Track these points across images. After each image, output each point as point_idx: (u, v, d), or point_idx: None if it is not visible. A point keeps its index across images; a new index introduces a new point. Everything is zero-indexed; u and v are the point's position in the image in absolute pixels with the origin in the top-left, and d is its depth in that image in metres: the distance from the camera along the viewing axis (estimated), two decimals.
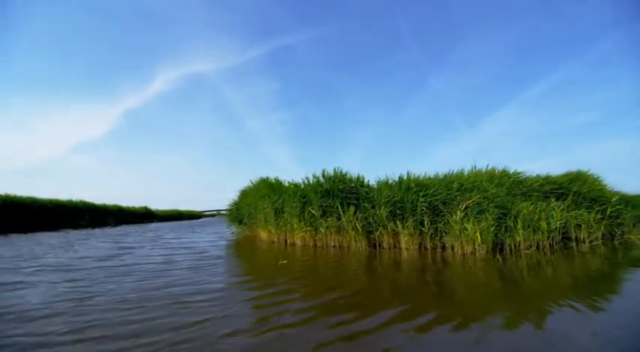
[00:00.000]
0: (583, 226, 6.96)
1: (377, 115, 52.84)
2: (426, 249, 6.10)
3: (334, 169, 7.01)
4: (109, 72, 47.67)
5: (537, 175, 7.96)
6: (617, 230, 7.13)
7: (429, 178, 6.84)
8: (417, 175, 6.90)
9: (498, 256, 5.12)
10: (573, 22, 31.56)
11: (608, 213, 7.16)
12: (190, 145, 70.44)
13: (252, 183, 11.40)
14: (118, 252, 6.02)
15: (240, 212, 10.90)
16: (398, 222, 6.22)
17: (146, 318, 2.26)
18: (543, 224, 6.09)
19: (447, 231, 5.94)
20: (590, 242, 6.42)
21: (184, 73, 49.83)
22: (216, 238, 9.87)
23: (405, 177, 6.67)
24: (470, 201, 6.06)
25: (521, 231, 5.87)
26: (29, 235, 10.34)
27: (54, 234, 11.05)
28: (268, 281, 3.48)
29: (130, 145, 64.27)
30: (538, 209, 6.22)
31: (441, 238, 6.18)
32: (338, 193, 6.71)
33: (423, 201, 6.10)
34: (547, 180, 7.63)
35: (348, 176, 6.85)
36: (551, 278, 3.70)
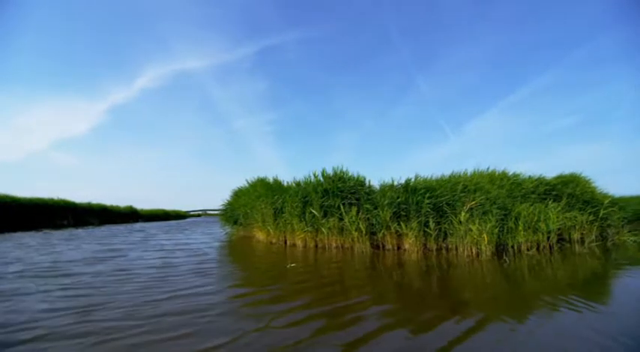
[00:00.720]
0: (577, 227, 7.16)
1: (365, 116, 53.32)
2: (430, 250, 6.08)
3: (334, 168, 6.88)
4: (93, 67, 45.86)
5: (530, 177, 8.15)
6: (608, 231, 7.38)
7: (435, 180, 6.83)
8: (423, 177, 6.90)
9: (505, 258, 5.14)
10: (556, 29, 32.96)
11: (600, 215, 7.40)
12: (176, 144, 68.76)
13: (248, 182, 11.15)
14: (109, 254, 5.66)
15: (236, 212, 10.60)
16: (402, 224, 6.17)
17: (167, 338, 1.99)
18: (543, 225, 6.20)
19: (451, 232, 5.94)
20: (590, 242, 6.55)
21: (172, 70, 48.59)
22: (209, 239, 9.55)
23: (411, 180, 6.64)
24: (473, 203, 6.09)
25: (522, 233, 5.95)
26: (7, 235, 9.66)
27: (34, 234, 10.38)
28: (288, 289, 3.24)
29: (114, 143, 62.05)
30: (537, 210, 6.33)
31: (444, 239, 6.19)
32: (338, 193, 6.60)
33: (428, 203, 6.08)
34: (541, 181, 7.81)
35: (348, 175, 6.73)
36: (573, 278, 3.71)
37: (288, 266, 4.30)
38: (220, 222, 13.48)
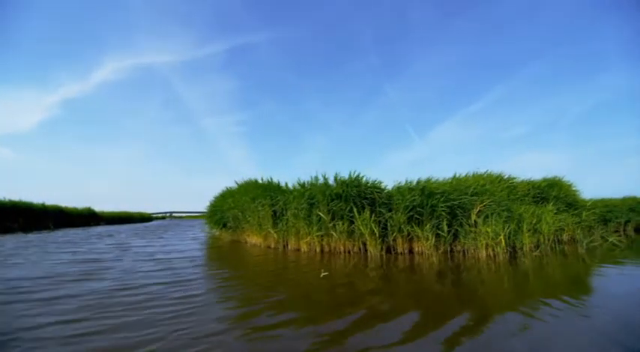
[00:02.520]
0: (565, 229, 7.62)
1: (335, 119, 54.00)
2: (445, 252, 6.03)
3: (350, 173, 6.61)
4: (43, 56, 40.62)
5: (522, 180, 8.56)
6: (594, 232, 7.94)
7: (446, 182, 6.83)
8: (434, 180, 6.88)
9: (522, 258, 5.23)
10: (512, 44, 36.24)
11: (583, 217, 7.96)
12: (137, 142, 63.69)
13: (237, 183, 10.45)
14: (89, 267, 4.78)
15: (225, 214, 9.83)
16: (415, 227, 6.06)
17: None
18: (544, 227, 6.47)
19: (464, 234, 5.94)
20: (589, 243, 6.93)
21: (134, 64, 44.95)
22: (197, 244, 8.71)
23: (423, 183, 6.56)
24: (482, 205, 6.18)
25: (527, 234, 6.15)
26: None
27: None
28: (374, 312, 2.57)
29: (67, 139, 55.76)
30: (536, 212, 6.60)
31: (454, 241, 6.19)
32: (351, 197, 6.32)
33: (442, 206, 6.03)
34: (533, 185, 8.24)
35: (363, 180, 6.49)
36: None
37: (321, 275, 3.89)
38: (206, 224, 12.55)
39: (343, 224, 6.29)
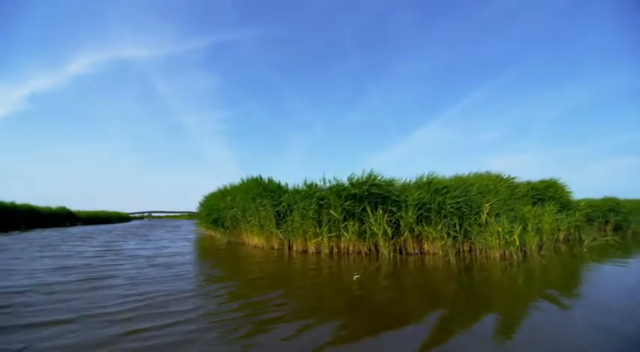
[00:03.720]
0: (562, 229, 7.88)
1: (318, 120, 53.99)
2: (457, 253, 6.00)
3: (368, 173, 6.44)
4: (10, 47, 37.36)
5: (521, 181, 8.79)
6: (584, 231, 8.29)
7: (449, 180, 6.84)
8: (439, 177, 6.84)
9: (539, 257, 5.29)
10: (490, 51, 37.83)
11: (576, 217, 8.28)
12: (112, 138, 60.37)
13: (232, 183, 10.02)
14: (80, 272, 4.31)
15: (222, 214, 9.38)
16: (425, 226, 6.01)
17: None
18: (546, 226, 6.63)
19: (475, 234, 5.95)
20: (591, 242, 7.15)
21: (110, 57, 42.51)
22: (192, 246, 8.26)
23: (430, 179, 6.53)
24: (488, 205, 6.22)
25: (532, 233, 6.27)
26: None
27: None
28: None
29: (35, 135, 51.85)
30: (537, 212, 6.76)
31: (464, 241, 6.19)
32: (365, 197, 6.16)
33: (450, 203, 6.01)
34: (532, 186, 8.47)
35: (379, 179, 6.34)
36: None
37: (354, 278, 3.69)
38: (197, 224, 11.97)
39: (354, 224, 6.12)
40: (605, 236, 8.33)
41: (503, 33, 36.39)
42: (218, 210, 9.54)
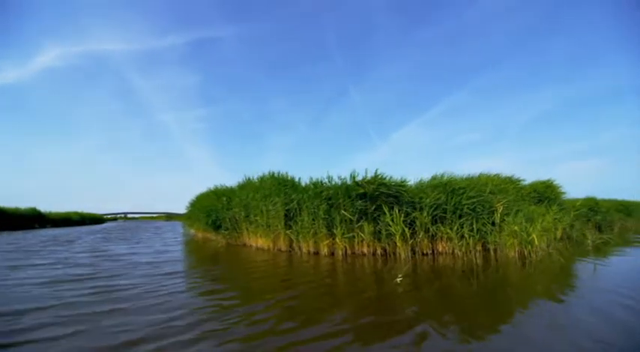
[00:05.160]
0: (560, 227, 8.14)
1: (300, 120, 53.82)
2: (470, 252, 5.97)
3: (376, 172, 6.25)
4: None
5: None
6: (578, 230, 8.61)
7: (462, 180, 6.82)
8: (447, 177, 6.82)
9: (559, 257, 5.34)
10: (468, 55, 39.46)
11: (572, 216, 8.60)
12: (83, 135, 56.66)
13: (243, 179, 9.51)
14: (95, 288, 3.77)
15: (220, 215, 8.86)
16: (441, 226, 5.94)
17: None
18: (551, 226, 6.79)
19: (490, 233, 5.95)
20: (596, 240, 7.40)
21: (83, 50, 39.81)
22: (186, 249, 7.73)
23: (446, 179, 6.49)
24: (501, 204, 6.27)
25: (540, 233, 6.38)
26: None
27: None
28: None
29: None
30: (541, 212, 6.92)
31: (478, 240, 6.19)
32: (377, 197, 5.98)
33: (466, 204, 5.98)
34: (535, 187, 8.73)
35: (388, 179, 6.18)
36: None
37: (397, 280, 3.46)
38: (187, 226, 11.28)
39: (369, 224, 5.93)
40: (599, 233, 8.74)
41: (485, 36, 37.81)
42: (216, 210, 9.01)
